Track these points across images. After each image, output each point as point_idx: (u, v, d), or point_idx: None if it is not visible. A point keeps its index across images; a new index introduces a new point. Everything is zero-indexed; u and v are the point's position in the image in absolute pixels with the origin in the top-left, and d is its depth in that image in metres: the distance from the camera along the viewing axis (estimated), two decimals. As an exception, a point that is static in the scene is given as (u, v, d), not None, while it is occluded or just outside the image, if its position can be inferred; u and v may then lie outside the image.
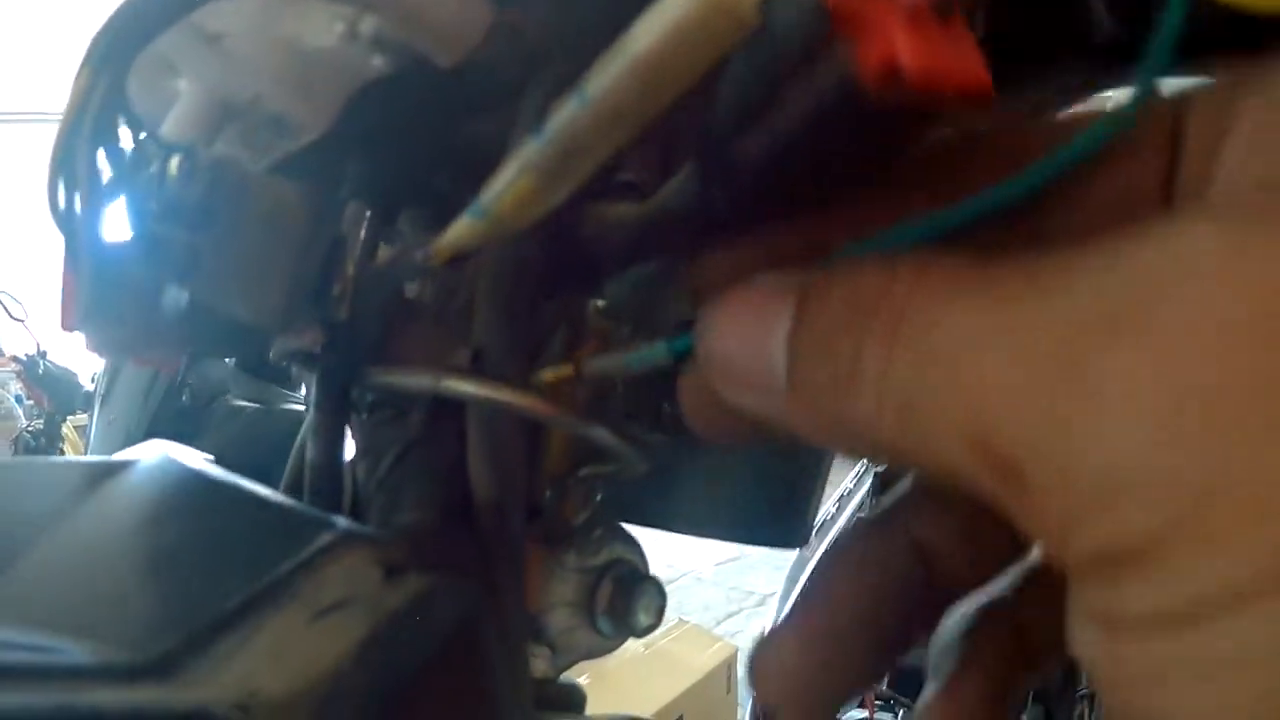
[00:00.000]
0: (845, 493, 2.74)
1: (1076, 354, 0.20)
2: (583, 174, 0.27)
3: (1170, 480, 0.19)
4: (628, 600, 0.49)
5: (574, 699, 0.52)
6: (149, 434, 3.31)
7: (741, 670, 4.05)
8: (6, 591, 0.32)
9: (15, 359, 5.98)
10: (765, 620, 2.81)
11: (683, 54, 0.23)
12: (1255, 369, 0.18)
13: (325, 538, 0.33)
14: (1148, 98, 0.25)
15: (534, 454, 0.44)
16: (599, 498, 0.50)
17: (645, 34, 0.23)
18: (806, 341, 0.26)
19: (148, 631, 0.29)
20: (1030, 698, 2.40)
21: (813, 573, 0.35)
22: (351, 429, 0.43)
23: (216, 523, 0.37)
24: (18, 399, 6.06)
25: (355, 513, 0.42)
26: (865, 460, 2.76)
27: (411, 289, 0.40)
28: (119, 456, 0.44)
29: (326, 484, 0.42)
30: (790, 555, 2.62)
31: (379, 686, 0.31)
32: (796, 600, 0.34)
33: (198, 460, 0.43)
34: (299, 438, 0.50)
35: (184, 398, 3.06)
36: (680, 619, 4.48)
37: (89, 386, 5.94)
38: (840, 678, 0.33)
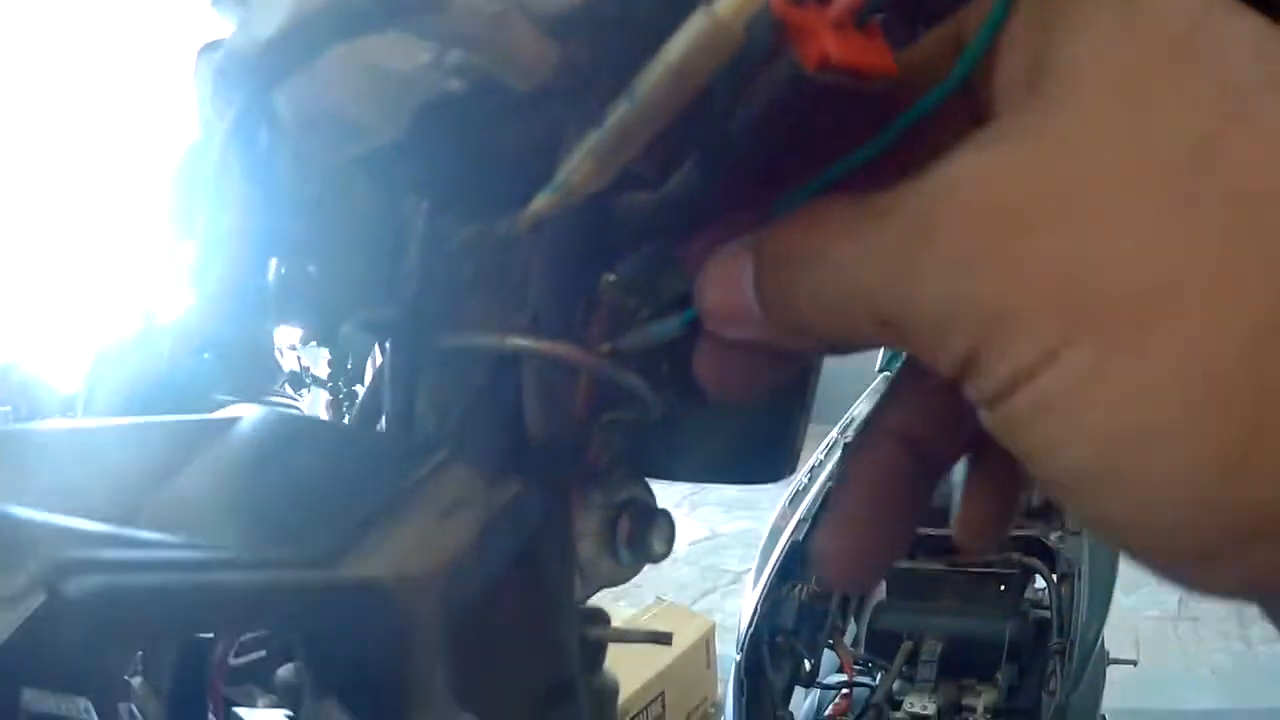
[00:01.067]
0: (817, 463, 2.80)
1: (906, 250, 0.33)
2: (628, 158, 0.37)
3: (972, 306, 0.32)
4: (644, 531, 0.57)
5: (600, 619, 0.61)
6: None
7: (720, 645, 4.13)
8: (161, 513, 0.40)
9: None
10: (738, 598, 2.86)
11: (700, 63, 0.35)
12: (1005, 238, 0.31)
13: (440, 455, 0.42)
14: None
15: (571, 387, 0.52)
16: (618, 442, 0.58)
17: (676, 48, 0.35)
18: (764, 278, 0.39)
19: (312, 532, 0.38)
20: (1005, 655, 2.47)
21: (838, 477, 0.48)
22: (421, 388, 0.51)
23: (344, 450, 0.46)
24: (-8, 404, 6.03)
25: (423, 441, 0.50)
26: (835, 436, 2.84)
27: (470, 267, 0.49)
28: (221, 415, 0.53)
29: (404, 432, 0.50)
30: (759, 536, 2.66)
31: (489, 567, 0.41)
32: (834, 499, 0.46)
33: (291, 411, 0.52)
34: (366, 389, 0.59)
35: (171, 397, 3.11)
36: (658, 598, 4.55)
37: (62, 392, 5.95)
38: (877, 551, 0.45)
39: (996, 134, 0.34)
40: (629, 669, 3.32)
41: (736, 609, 2.68)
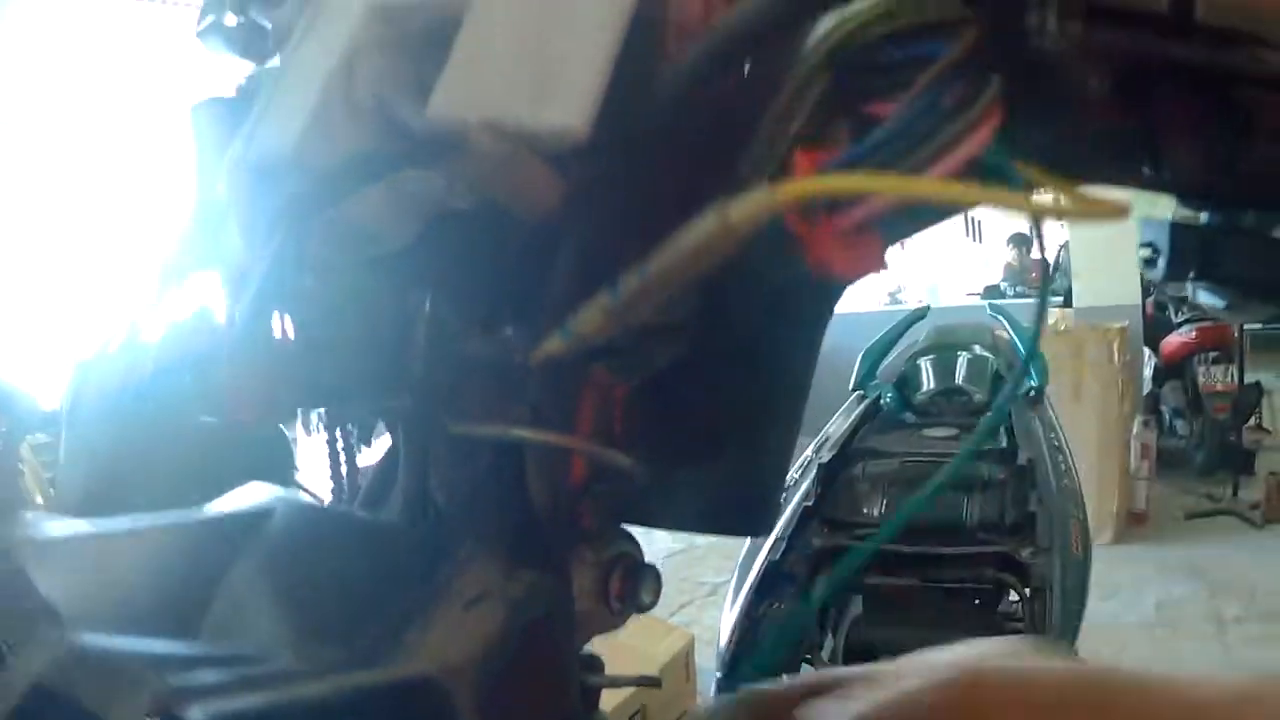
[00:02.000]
0: (791, 482, 2.83)
1: None
2: (638, 318, 0.42)
3: None
4: (633, 585, 0.61)
5: (595, 666, 0.66)
6: (118, 457, 3.35)
7: (700, 658, 4.16)
8: (218, 624, 0.45)
9: None
10: (716, 610, 2.89)
11: (707, 254, 0.41)
12: None
13: (462, 550, 0.47)
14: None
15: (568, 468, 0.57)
16: (607, 506, 0.63)
17: (689, 239, 0.40)
18: None
19: (359, 631, 0.43)
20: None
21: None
22: (432, 466, 0.56)
23: (371, 544, 0.51)
24: (-37, 420, 5.99)
25: (439, 529, 0.55)
26: (809, 455, 2.88)
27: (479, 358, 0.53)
28: (235, 504, 0.57)
29: (419, 510, 0.55)
30: (736, 546, 2.70)
31: (511, 651, 0.45)
32: None
33: (308, 497, 0.57)
34: (373, 472, 0.64)
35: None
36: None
37: (44, 408, 5.93)
38: None
39: None
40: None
41: (714, 620, 2.71)
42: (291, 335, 0.50)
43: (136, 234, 7.05)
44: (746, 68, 0.49)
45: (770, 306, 0.53)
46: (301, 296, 0.49)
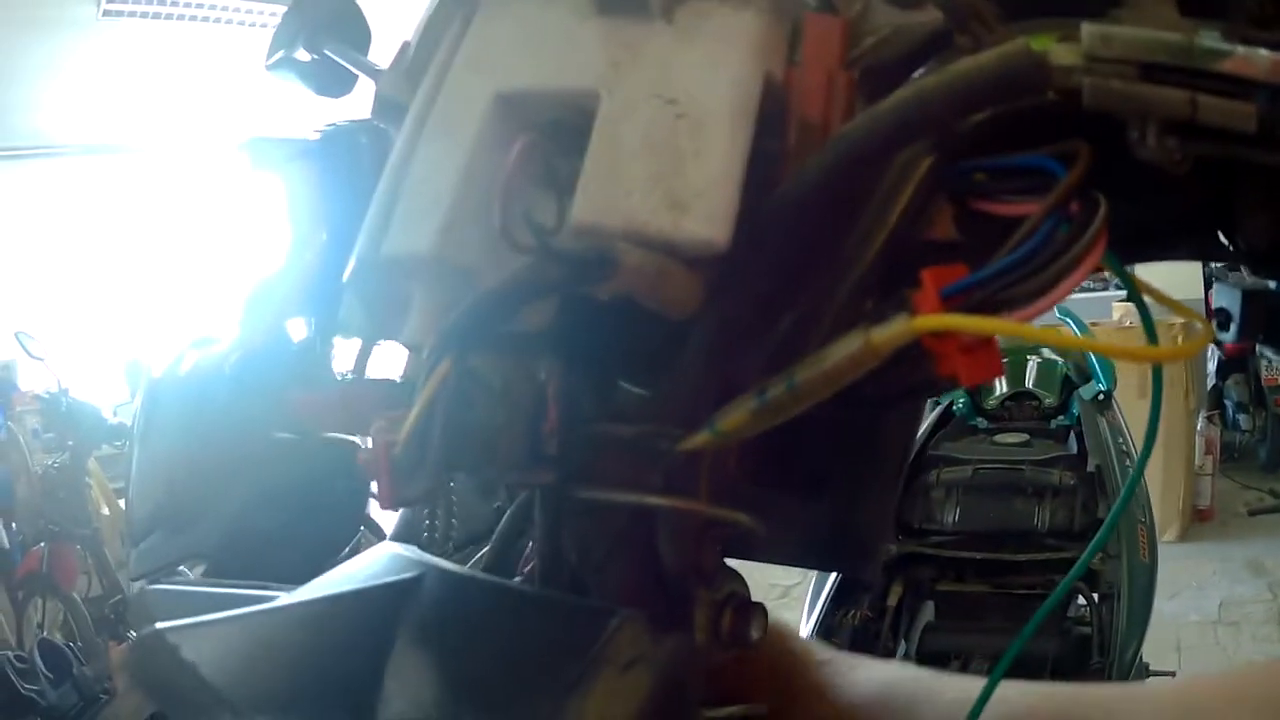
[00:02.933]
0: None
1: None
2: (776, 422, 0.46)
3: None
4: (744, 622, 0.63)
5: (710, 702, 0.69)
6: (192, 475, 3.38)
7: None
8: (392, 709, 0.49)
9: (36, 396, 5.98)
10: (793, 611, 2.90)
11: (848, 371, 0.46)
12: None
13: (614, 620, 0.50)
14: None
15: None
16: (722, 550, 0.66)
17: (832, 357, 0.45)
18: None
19: (526, 702, 0.47)
20: (1049, 673, 2.51)
21: None
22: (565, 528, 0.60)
23: (523, 615, 0.55)
24: (35, 433, 6.06)
25: (574, 588, 0.59)
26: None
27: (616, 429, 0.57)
28: (372, 570, 0.61)
29: (555, 572, 0.59)
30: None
31: (659, 712, 0.49)
32: None
33: (443, 562, 0.60)
34: (500, 528, 0.67)
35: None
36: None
37: (112, 419, 6.00)
38: None
39: None
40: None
41: (792, 621, 2.72)
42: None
43: (203, 252, 7.14)
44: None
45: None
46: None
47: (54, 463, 5.78)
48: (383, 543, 0.66)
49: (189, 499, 3.38)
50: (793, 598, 3.72)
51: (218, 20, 6.66)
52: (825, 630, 2.55)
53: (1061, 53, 0.47)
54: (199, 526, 3.35)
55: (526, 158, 0.48)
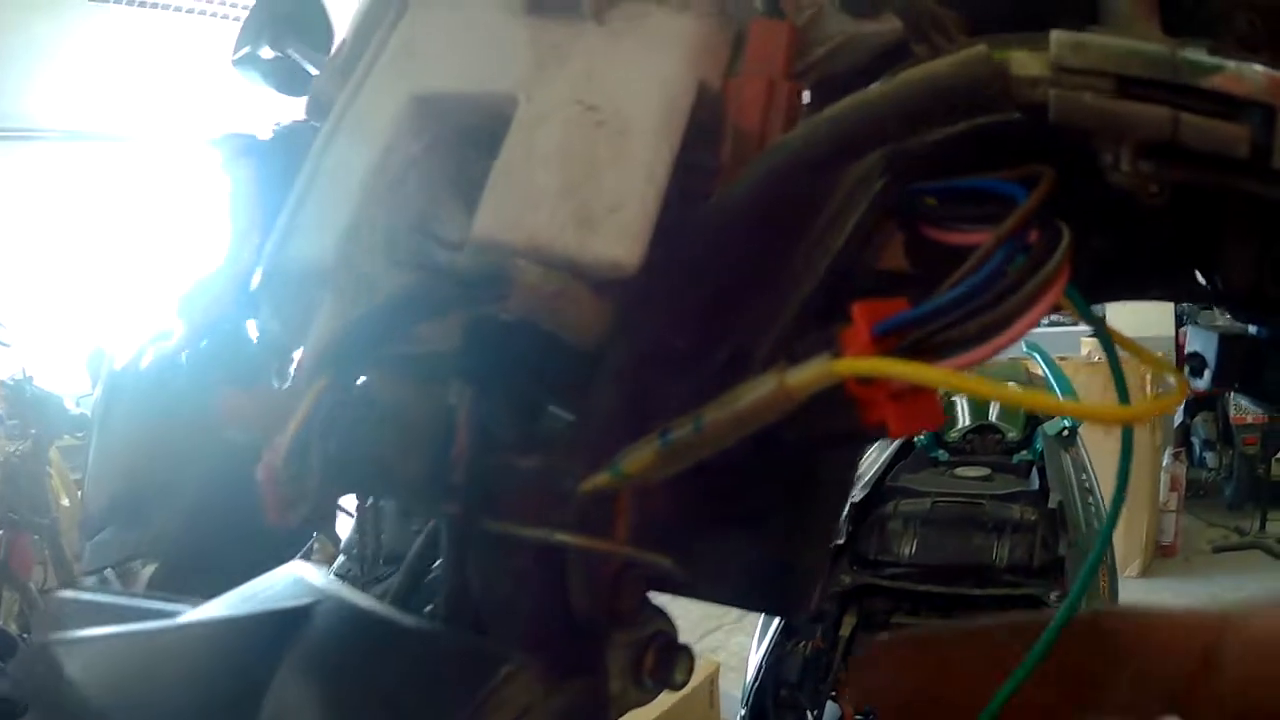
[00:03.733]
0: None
1: None
2: (687, 464, 0.41)
3: None
4: (667, 664, 0.60)
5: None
6: (150, 468, 3.35)
7: (724, 684, 4.15)
8: None
9: (1, 382, 5.93)
10: (745, 636, 2.89)
11: (762, 415, 0.41)
12: None
13: (505, 668, 0.46)
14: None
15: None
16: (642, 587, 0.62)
17: (745, 399, 0.40)
18: None
19: None
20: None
21: None
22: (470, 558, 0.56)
23: (416, 661, 0.51)
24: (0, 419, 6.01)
25: (477, 625, 0.55)
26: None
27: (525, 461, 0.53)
28: (272, 592, 0.57)
29: (459, 607, 0.55)
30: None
31: None
32: None
33: (345, 588, 0.57)
34: (409, 557, 0.64)
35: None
36: (662, 635, 4.54)
37: (74, 410, 5.95)
38: None
39: None
40: (630, 711, 3.34)
41: (741, 647, 2.72)
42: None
43: (175, 244, 7.10)
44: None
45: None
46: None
47: (16, 450, 5.72)
48: (291, 563, 0.62)
49: (144, 493, 3.34)
50: (748, 620, 3.70)
51: (204, 13, 6.65)
52: (775, 660, 2.52)
53: (1026, 61, 0.43)
54: (154, 521, 3.33)
55: (429, 163, 0.44)
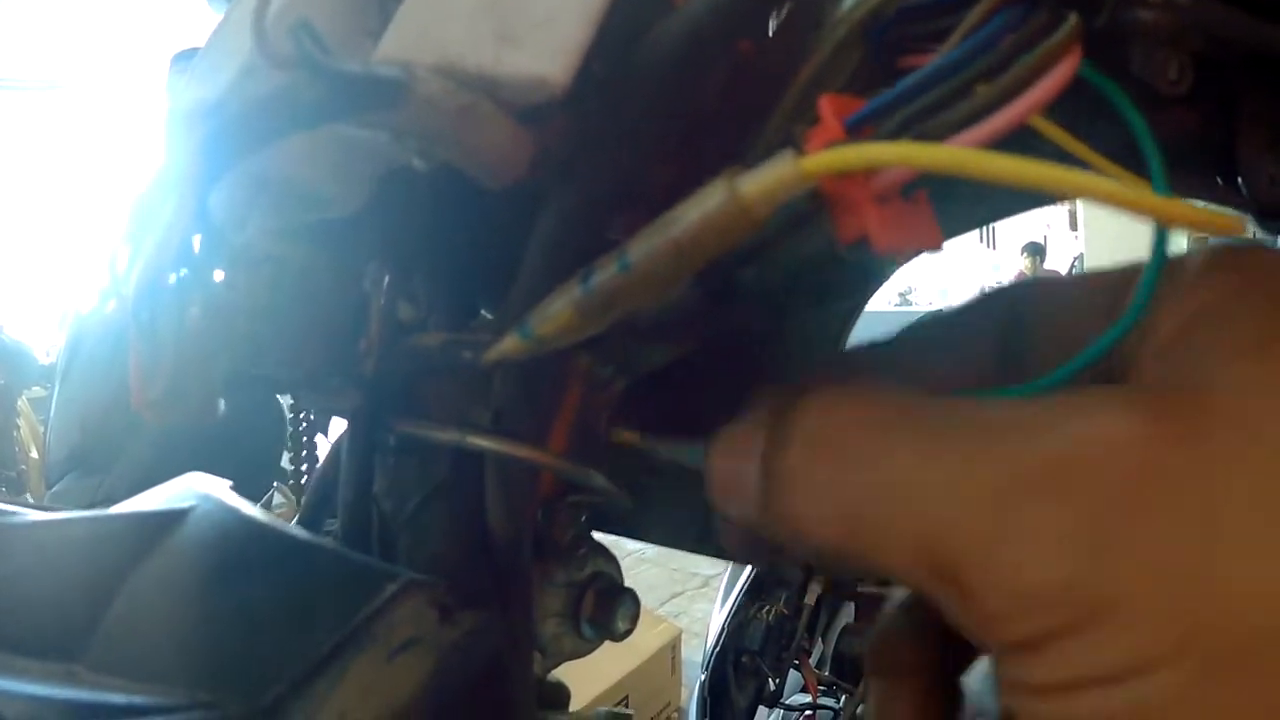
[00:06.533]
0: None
1: (1010, 500, 0.28)
2: (616, 316, 0.34)
3: (1071, 596, 0.27)
4: (608, 609, 0.55)
5: (560, 696, 0.59)
6: (107, 415, 3.31)
7: (686, 650, 4.11)
8: (105, 649, 0.38)
9: None
10: (706, 603, 2.85)
11: (710, 241, 0.31)
12: (1130, 522, 0.26)
13: (391, 587, 0.39)
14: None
15: (533, 484, 0.50)
16: (582, 519, 0.55)
17: (683, 221, 0.30)
18: (773, 464, 0.34)
19: (251, 680, 0.36)
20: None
21: None
22: (378, 469, 0.49)
23: (289, 574, 0.44)
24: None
25: (383, 546, 0.48)
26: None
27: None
28: (160, 499, 0.50)
29: (358, 522, 0.48)
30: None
31: (443, 709, 0.38)
32: None
33: (236, 499, 0.50)
34: (316, 473, 0.56)
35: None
36: (625, 600, 4.51)
37: (44, 360, 5.90)
38: None
39: (1159, 393, 0.29)
40: (592, 673, 3.31)
41: (705, 613, 2.69)
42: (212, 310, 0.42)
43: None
44: (771, 23, 0.40)
45: (794, 290, 0.44)
46: (220, 264, 0.42)
47: (-16, 402, 5.68)
48: (190, 473, 0.55)
49: (103, 441, 3.33)
50: (713, 587, 3.66)
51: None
52: (737, 625, 2.49)
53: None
54: (112, 469, 3.31)
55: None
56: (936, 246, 0.32)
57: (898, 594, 0.44)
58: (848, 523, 0.31)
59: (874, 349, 0.43)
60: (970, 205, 0.50)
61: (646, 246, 0.32)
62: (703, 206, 0.30)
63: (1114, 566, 0.26)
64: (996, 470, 0.28)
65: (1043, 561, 0.27)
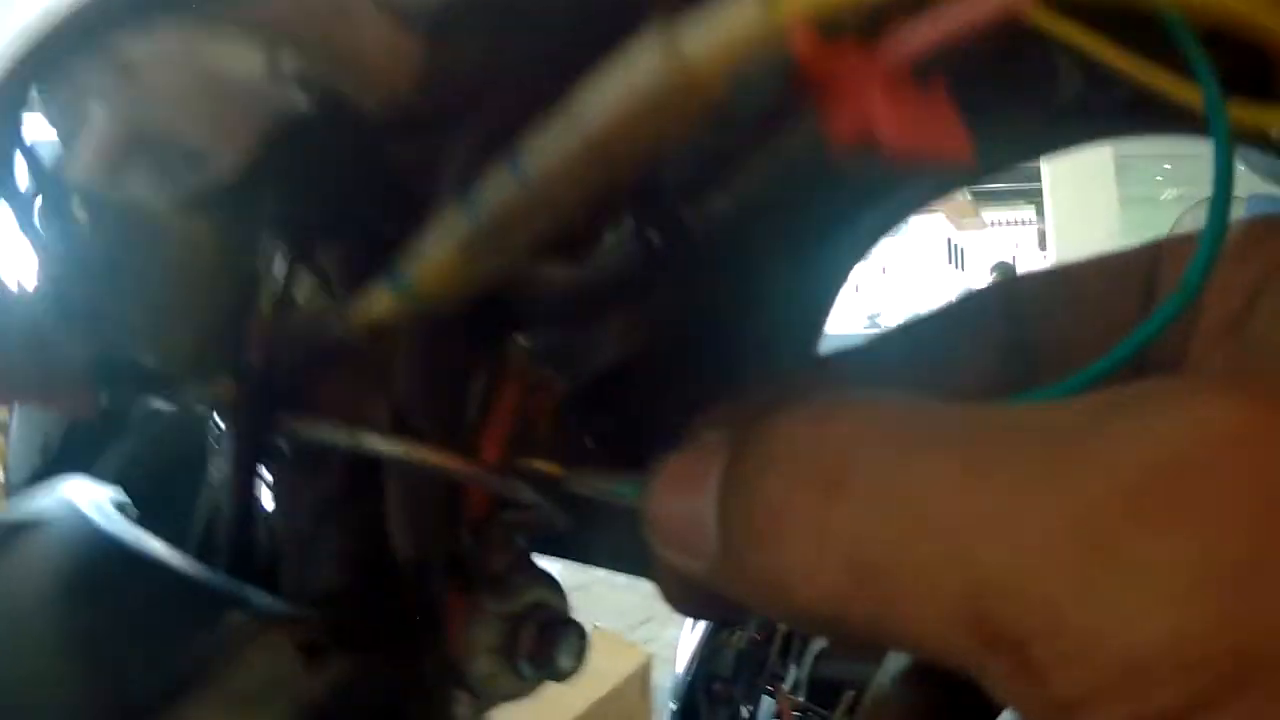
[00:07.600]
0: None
1: (1096, 533, 0.19)
2: (518, 250, 0.25)
3: (1205, 660, 0.18)
4: (550, 645, 0.48)
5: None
6: (67, 436, 3.26)
7: (656, 676, 4.06)
8: None
9: None
10: (678, 628, 2.83)
11: (641, 129, 0.21)
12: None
13: (238, 618, 0.32)
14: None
15: (454, 501, 0.42)
16: (520, 542, 0.48)
17: (598, 108, 0.21)
18: (739, 500, 0.25)
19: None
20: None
21: None
22: (268, 479, 0.42)
23: (128, 600, 0.36)
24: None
25: (271, 569, 0.40)
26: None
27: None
28: (26, 504, 0.43)
29: (240, 540, 0.40)
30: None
31: None
32: None
33: (107, 507, 0.42)
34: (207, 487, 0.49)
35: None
36: (594, 626, 4.47)
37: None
38: None
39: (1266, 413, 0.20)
40: (561, 701, 3.25)
41: (675, 639, 2.68)
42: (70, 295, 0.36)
43: None
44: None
45: (765, 233, 0.36)
46: (72, 236, 0.35)
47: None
48: (70, 477, 0.49)
49: (64, 462, 3.28)
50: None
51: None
52: (708, 652, 2.45)
53: None
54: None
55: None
56: (963, 153, 0.22)
57: (892, 661, 0.36)
58: (855, 575, 0.22)
59: (849, 355, 0.35)
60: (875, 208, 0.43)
61: (549, 142, 0.23)
62: (627, 77, 0.21)
63: (1266, 606, 0.18)
64: (1071, 493, 0.20)
65: (1160, 613, 0.19)
